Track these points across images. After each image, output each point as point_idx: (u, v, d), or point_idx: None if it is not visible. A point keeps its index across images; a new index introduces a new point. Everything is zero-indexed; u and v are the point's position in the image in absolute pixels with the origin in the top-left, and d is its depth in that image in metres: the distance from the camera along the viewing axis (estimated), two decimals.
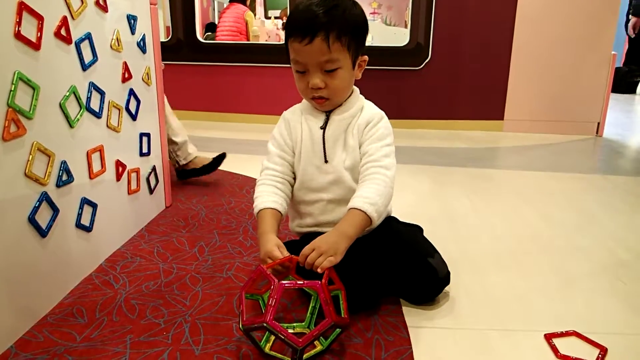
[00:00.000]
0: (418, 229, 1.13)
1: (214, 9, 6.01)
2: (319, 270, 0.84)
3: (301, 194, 1.06)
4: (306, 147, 1.03)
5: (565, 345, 0.87)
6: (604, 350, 0.85)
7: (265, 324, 0.75)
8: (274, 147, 1.06)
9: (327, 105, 1.01)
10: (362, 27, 0.98)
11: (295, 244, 1.15)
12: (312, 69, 0.95)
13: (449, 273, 1.01)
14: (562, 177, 2.11)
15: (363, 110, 1.03)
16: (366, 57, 1.01)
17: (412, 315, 0.96)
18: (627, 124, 3.72)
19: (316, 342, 0.83)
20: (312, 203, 1.05)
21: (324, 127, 1.02)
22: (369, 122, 1.01)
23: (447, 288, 1.03)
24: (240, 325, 0.80)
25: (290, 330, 0.89)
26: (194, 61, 3.40)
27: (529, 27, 3.05)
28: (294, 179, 1.07)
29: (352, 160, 1.01)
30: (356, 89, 1.06)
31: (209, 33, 4.66)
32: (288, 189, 1.05)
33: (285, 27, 0.97)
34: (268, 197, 1.01)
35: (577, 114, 3.14)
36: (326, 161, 1.02)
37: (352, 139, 1.01)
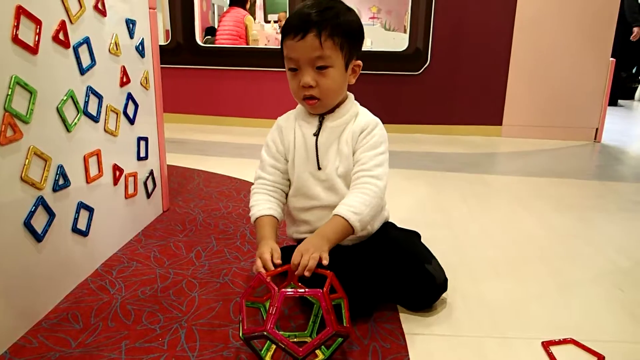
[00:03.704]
0: (415, 235, 1.13)
1: (213, 13, 6.02)
2: (324, 262, 0.84)
3: (296, 200, 1.06)
4: (300, 153, 1.03)
5: (562, 353, 0.87)
6: (601, 358, 0.85)
7: (265, 333, 0.74)
8: (267, 155, 1.07)
9: (318, 107, 1.00)
10: (355, 31, 0.98)
11: (293, 249, 1.14)
12: (304, 66, 0.95)
13: (446, 279, 1.00)
14: (560, 183, 2.11)
15: (358, 117, 1.03)
16: (360, 63, 1.01)
17: (409, 322, 0.96)
18: (625, 130, 3.73)
19: (317, 352, 0.82)
20: (307, 210, 1.05)
21: (317, 134, 1.02)
22: (363, 129, 1.00)
23: (444, 295, 1.02)
24: (241, 334, 0.79)
25: (293, 339, 0.88)
26: (194, 65, 3.40)
27: (528, 33, 3.05)
28: (288, 186, 1.07)
29: (346, 168, 1.01)
30: (351, 96, 1.05)
31: (209, 37, 4.67)
32: (282, 197, 1.07)
33: (281, 31, 0.99)
34: (264, 204, 1.03)
35: (575, 120, 3.15)
36: (319, 168, 1.02)
37: (346, 146, 1.00)
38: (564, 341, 0.90)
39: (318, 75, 0.95)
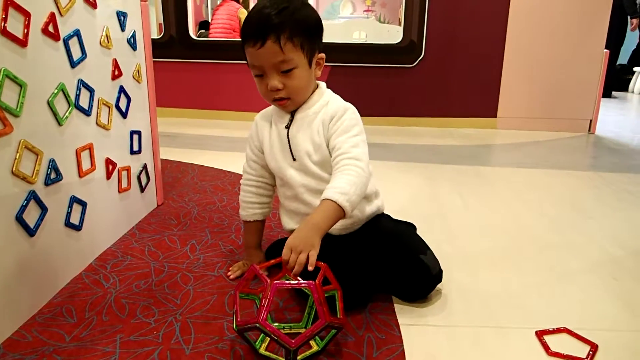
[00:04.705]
0: (411, 226, 1.13)
1: (207, 6, 5.97)
2: (309, 268, 0.83)
3: (283, 190, 1.08)
4: (277, 146, 1.05)
5: (556, 342, 0.87)
6: (594, 347, 0.85)
7: (257, 324, 0.74)
8: (249, 150, 1.12)
9: (290, 106, 1.01)
10: (314, 26, 0.98)
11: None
12: (269, 71, 0.95)
13: (441, 270, 1.01)
14: (554, 174, 2.12)
15: (328, 105, 1.02)
16: (323, 55, 1.01)
17: (404, 313, 0.96)
18: (619, 121, 3.74)
19: (312, 343, 0.83)
20: (294, 198, 1.05)
21: (288, 127, 1.03)
22: (332, 117, 1.00)
23: (439, 285, 1.03)
24: (234, 326, 0.79)
25: (287, 331, 0.89)
26: (187, 58, 3.38)
27: (522, 25, 3.05)
28: (273, 177, 1.11)
29: (321, 157, 1.01)
30: (322, 85, 1.06)
31: (203, 31, 4.63)
32: (268, 189, 1.13)
33: (240, 35, 0.98)
34: (250, 209, 1.12)
35: (570, 112, 3.15)
36: (294, 159, 1.02)
37: (318, 136, 1.00)
38: (558, 330, 0.91)
39: (284, 77, 0.96)
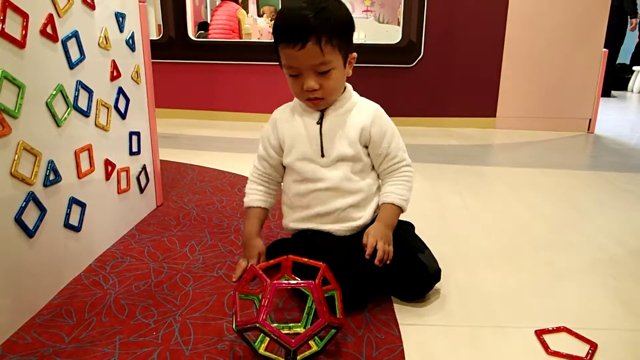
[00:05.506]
0: (409, 226, 1.13)
1: (206, 7, 5.97)
2: (387, 262, 0.96)
3: (298, 185, 1.07)
4: (303, 141, 1.04)
5: (555, 342, 0.87)
6: (594, 346, 0.86)
7: (257, 324, 0.74)
8: (262, 148, 1.12)
9: (322, 105, 1.02)
10: (348, 26, 0.99)
11: (286, 242, 1.15)
12: (306, 72, 0.96)
13: (439, 269, 1.01)
14: (553, 174, 2.12)
15: (358, 105, 1.05)
16: (355, 54, 1.02)
17: (403, 313, 0.96)
18: (618, 120, 3.75)
19: (311, 343, 0.83)
20: (307, 194, 1.05)
21: (320, 122, 1.03)
22: (373, 120, 1.03)
23: (438, 285, 1.03)
24: (234, 326, 0.79)
25: (287, 331, 0.89)
26: (186, 59, 3.38)
27: (521, 24, 3.06)
28: (281, 177, 1.12)
29: (355, 154, 1.03)
30: (348, 85, 1.07)
31: (202, 32, 4.64)
32: (275, 186, 1.14)
33: (273, 31, 0.97)
34: (255, 195, 1.12)
35: (569, 111, 3.16)
36: (323, 155, 1.03)
37: (355, 133, 1.02)
38: (557, 329, 0.91)
39: (320, 78, 0.96)
